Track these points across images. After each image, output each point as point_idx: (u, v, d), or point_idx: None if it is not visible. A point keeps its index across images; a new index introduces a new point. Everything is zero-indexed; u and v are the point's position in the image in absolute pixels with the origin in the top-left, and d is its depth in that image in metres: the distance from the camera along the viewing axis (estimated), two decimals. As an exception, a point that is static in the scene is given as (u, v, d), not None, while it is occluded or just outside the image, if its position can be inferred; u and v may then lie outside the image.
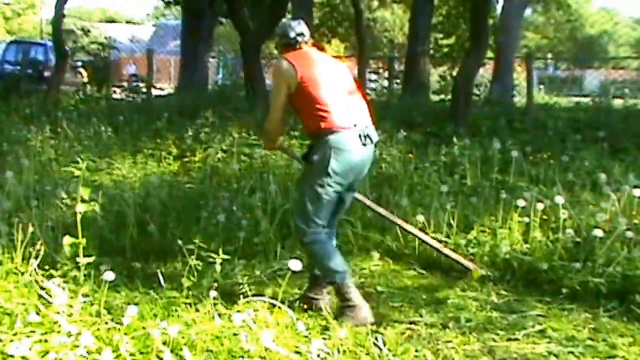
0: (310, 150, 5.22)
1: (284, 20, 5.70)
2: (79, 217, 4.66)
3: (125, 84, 20.54)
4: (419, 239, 6.50)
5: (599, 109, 15.85)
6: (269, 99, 5.40)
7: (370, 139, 5.19)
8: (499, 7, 22.26)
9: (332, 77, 5.21)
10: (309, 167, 5.22)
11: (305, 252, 5.42)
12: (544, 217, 6.57)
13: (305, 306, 5.25)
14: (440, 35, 29.96)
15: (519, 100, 20.16)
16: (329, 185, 5.06)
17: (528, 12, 31.13)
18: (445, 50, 29.85)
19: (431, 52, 23.49)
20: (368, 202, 6.28)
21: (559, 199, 6.41)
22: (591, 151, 9.86)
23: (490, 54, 18.73)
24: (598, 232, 5.90)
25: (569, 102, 20.27)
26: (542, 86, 26.26)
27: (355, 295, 5.18)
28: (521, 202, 6.55)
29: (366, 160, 5.26)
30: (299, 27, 5.33)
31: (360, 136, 5.11)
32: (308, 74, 5.10)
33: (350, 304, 5.09)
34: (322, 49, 5.98)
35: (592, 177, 7.98)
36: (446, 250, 6.43)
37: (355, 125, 5.10)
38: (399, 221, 6.48)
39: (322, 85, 5.10)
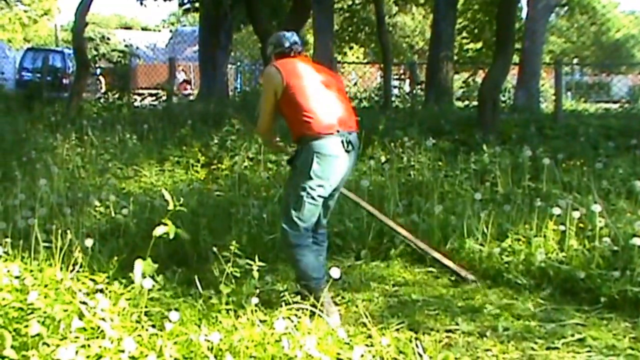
0: (295, 155, 5.47)
1: (280, 32, 5.84)
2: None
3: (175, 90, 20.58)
4: (409, 240, 6.71)
5: (631, 115, 15.80)
6: (259, 105, 5.60)
7: (353, 145, 5.40)
8: (523, 12, 22.26)
9: (317, 85, 5.45)
10: (293, 171, 5.50)
11: (285, 254, 5.68)
12: (580, 225, 6.59)
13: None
14: (466, 40, 29.96)
15: (546, 106, 20.16)
16: (311, 188, 5.28)
17: (552, 16, 31.00)
18: (471, 55, 29.85)
19: (455, 57, 23.46)
20: (356, 198, 6.42)
21: (596, 207, 6.45)
22: (624, 158, 9.84)
23: (515, 59, 18.72)
24: (637, 241, 5.91)
25: (597, 108, 20.19)
26: (568, 92, 26.21)
27: (327, 301, 5.30)
28: (556, 210, 6.59)
29: (349, 165, 5.51)
30: (293, 37, 5.65)
31: (342, 142, 5.32)
32: (294, 81, 5.36)
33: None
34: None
35: (627, 185, 7.99)
36: (438, 255, 6.59)
37: (338, 132, 5.31)
38: (390, 222, 6.62)
39: (307, 93, 5.35)
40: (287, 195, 5.49)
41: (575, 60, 44.42)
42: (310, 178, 5.26)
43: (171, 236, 4.48)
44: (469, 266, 6.58)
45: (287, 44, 5.59)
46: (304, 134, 5.28)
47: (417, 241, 6.75)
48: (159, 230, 4.50)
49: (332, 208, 5.87)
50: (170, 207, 4.66)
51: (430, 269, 6.77)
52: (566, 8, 37.55)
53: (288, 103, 5.35)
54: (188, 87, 28.63)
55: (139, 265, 4.33)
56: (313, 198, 5.32)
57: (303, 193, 5.29)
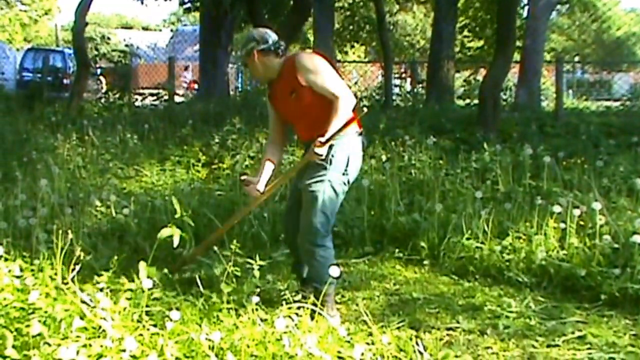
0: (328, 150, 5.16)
1: (255, 29, 5.68)
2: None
3: (184, 90, 20.56)
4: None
5: (632, 113, 15.80)
6: (323, 86, 5.15)
7: (365, 145, 5.42)
8: (524, 10, 22.26)
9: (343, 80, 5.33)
10: (323, 165, 5.16)
11: (308, 254, 5.31)
12: (581, 223, 6.60)
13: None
14: (467, 38, 29.96)
15: (547, 104, 20.16)
16: (345, 184, 5.23)
17: (553, 14, 30.99)
18: (472, 53, 29.85)
19: (456, 56, 23.44)
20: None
21: (596, 205, 6.46)
22: (625, 156, 9.84)
23: (516, 57, 18.71)
24: (637, 238, 5.91)
25: (598, 106, 20.19)
26: (570, 90, 26.20)
27: (330, 305, 5.30)
28: (557, 208, 6.61)
29: None
30: (274, 35, 5.46)
31: (363, 143, 5.37)
32: None
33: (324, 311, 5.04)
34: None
35: (628, 183, 7.99)
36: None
37: (361, 133, 5.33)
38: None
39: (345, 85, 5.23)
40: (316, 192, 5.15)
41: (576, 58, 44.57)
42: (346, 174, 5.22)
43: (175, 242, 4.49)
44: (470, 264, 6.59)
45: (270, 41, 5.40)
46: (344, 128, 5.07)
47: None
48: (163, 233, 4.51)
49: None
50: (178, 214, 4.68)
51: (432, 267, 6.81)
52: (567, 6, 37.56)
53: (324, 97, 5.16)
54: (196, 85, 28.63)
55: (144, 268, 4.34)
56: (342, 195, 5.29)
57: (338, 189, 5.20)
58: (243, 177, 5.76)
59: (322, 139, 4.98)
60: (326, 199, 5.15)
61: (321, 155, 5.04)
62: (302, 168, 5.35)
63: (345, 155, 5.18)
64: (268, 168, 5.66)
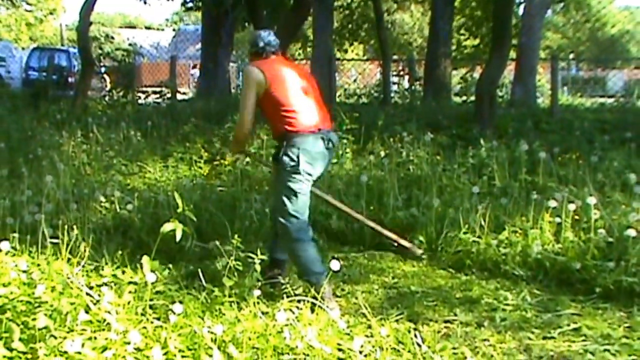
0: (278, 152, 5.50)
1: (256, 31, 5.98)
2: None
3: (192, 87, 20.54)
4: (367, 225, 6.75)
5: (625, 109, 15.80)
6: (240, 103, 5.62)
7: (333, 143, 5.61)
8: (520, 9, 22.25)
9: (298, 84, 5.58)
10: (279, 167, 5.50)
11: (286, 249, 5.63)
12: (576, 217, 6.60)
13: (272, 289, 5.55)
14: (464, 37, 29.94)
15: (542, 101, 20.16)
16: (301, 182, 5.40)
17: (548, 12, 30.97)
18: (469, 51, 29.84)
19: (453, 54, 23.44)
20: (319, 193, 6.47)
21: (591, 200, 6.46)
22: (619, 152, 9.82)
23: (512, 54, 18.70)
24: (631, 232, 5.93)
25: (592, 103, 20.19)
26: (565, 87, 26.17)
27: (328, 297, 5.32)
28: (552, 203, 6.60)
29: (328, 160, 5.73)
30: (269, 37, 5.72)
31: (323, 140, 5.49)
32: (276, 81, 5.47)
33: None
34: (288, 59, 6.18)
35: (622, 178, 7.98)
36: (389, 234, 6.71)
37: (319, 130, 5.48)
38: (348, 209, 6.67)
39: (290, 92, 5.48)
40: (279, 192, 5.50)
41: (571, 56, 44.41)
42: (299, 172, 5.38)
43: (178, 237, 4.49)
44: (467, 258, 6.60)
45: (261, 44, 5.67)
46: (288, 131, 5.40)
47: (374, 224, 6.79)
48: (166, 228, 4.51)
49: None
50: (180, 209, 4.68)
51: (430, 261, 6.82)
52: (562, 4, 37.50)
53: (271, 102, 5.46)
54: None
55: (147, 262, 4.34)
56: (303, 189, 5.45)
57: (295, 187, 5.40)
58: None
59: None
60: (285, 200, 5.43)
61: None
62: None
63: (294, 155, 5.39)
64: None
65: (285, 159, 5.39)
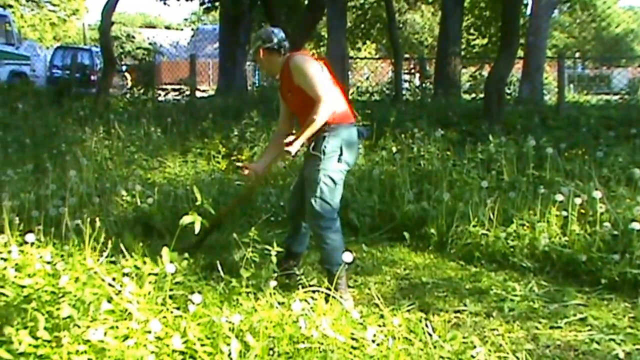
0: (317, 142, 5.33)
1: (266, 28, 5.99)
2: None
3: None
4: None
5: (630, 106, 15.72)
6: (310, 89, 5.26)
7: (361, 134, 5.57)
8: (528, 9, 22.15)
9: (330, 78, 5.50)
10: (318, 156, 5.32)
11: (317, 238, 5.53)
12: (582, 211, 6.58)
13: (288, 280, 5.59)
14: (473, 36, 29.86)
15: (549, 98, 20.08)
16: (341, 172, 5.36)
17: (555, 12, 30.84)
18: (478, 50, 29.76)
19: (463, 53, 23.38)
20: None
21: (597, 194, 6.44)
22: (624, 147, 9.78)
23: (520, 53, 18.62)
24: (636, 225, 5.90)
25: (598, 100, 20.11)
26: (571, 85, 26.07)
27: (344, 288, 5.35)
28: (559, 197, 6.59)
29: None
30: (280, 34, 5.62)
31: (358, 131, 5.48)
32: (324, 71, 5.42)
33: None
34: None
35: (627, 173, 7.95)
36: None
37: (354, 123, 5.48)
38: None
39: (331, 84, 5.40)
40: (315, 181, 5.31)
41: (577, 54, 44.23)
42: (341, 162, 5.32)
43: (197, 229, 4.49)
44: (477, 250, 6.58)
45: (275, 40, 5.55)
46: (332, 122, 5.28)
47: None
48: (185, 220, 4.52)
49: None
50: (199, 203, 4.69)
51: (440, 252, 6.81)
52: (568, 4, 37.28)
53: None
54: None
55: (167, 254, 4.35)
56: (341, 181, 5.40)
57: (335, 176, 5.31)
58: (239, 164, 6.03)
59: (291, 139, 5.23)
60: (324, 188, 5.30)
61: (290, 154, 5.27)
62: (275, 160, 5.92)
63: (336, 145, 5.30)
64: (270, 153, 5.90)
65: (329, 148, 5.29)
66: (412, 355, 4.02)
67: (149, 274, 4.64)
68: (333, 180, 5.30)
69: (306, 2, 20.34)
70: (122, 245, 5.41)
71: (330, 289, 4.66)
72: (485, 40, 29.81)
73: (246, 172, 5.84)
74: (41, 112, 14.68)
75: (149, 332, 3.72)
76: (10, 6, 40.41)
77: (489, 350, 4.29)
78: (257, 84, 24.83)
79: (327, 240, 5.35)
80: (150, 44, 23.55)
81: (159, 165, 10.47)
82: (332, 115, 5.26)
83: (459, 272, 6.30)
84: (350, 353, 3.95)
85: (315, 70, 5.33)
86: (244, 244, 5.05)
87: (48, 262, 4.60)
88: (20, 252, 4.72)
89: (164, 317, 4.03)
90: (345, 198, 7.67)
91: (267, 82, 21.45)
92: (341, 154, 5.31)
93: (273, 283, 4.63)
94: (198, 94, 19.54)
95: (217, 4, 23.57)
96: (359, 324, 4.37)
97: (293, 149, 5.20)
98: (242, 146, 10.95)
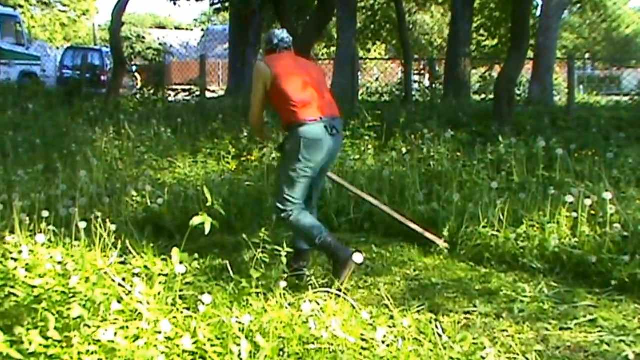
0: (284, 141, 5.83)
1: (271, 30, 6.34)
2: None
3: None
4: (388, 214, 6.98)
5: (640, 107, 15.71)
6: (250, 97, 5.87)
7: (337, 129, 5.75)
8: (537, 10, 22.13)
9: (302, 77, 5.74)
10: (283, 155, 5.84)
11: (286, 226, 6.02)
12: (592, 212, 6.56)
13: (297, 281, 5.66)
14: (483, 37, 29.82)
15: (559, 99, 20.05)
16: (300, 169, 5.60)
17: (565, 13, 30.78)
18: (487, 51, 29.71)
19: (472, 53, 23.35)
20: (339, 180, 6.64)
21: (607, 195, 6.42)
22: (635, 148, 9.76)
23: (530, 54, 18.61)
24: (646, 226, 5.91)
25: (608, 101, 20.08)
26: (581, 86, 26.01)
27: (335, 245, 5.63)
28: (569, 198, 6.58)
29: (334, 147, 5.84)
30: (282, 34, 5.95)
31: (326, 127, 5.61)
32: (281, 74, 5.65)
33: (336, 258, 5.54)
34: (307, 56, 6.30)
35: (637, 174, 7.94)
36: (415, 226, 6.91)
37: (321, 119, 5.60)
38: (369, 197, 6.94)
39: (293, 85, 5.64)
40: (279, 177, 5.84)
41: (587, 55, 44.16)
42: (299, 160, 5.57)
43: (207, 230, 4.49)
44: (487, 251, 6.57)
45: (275, 41, 5.91)
46: (292, 122, 5.59)
47: (397, 215, 6.96)
48: (195, 221, 4.52)
49: (321, 187, 6.39)
50: (209, 203, 4.69)
51: (450, 253, 6.80)
52: (578, 5, 37.20)
53: (277, 94, 5.64)
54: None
55: (177, 254, 4.35)
56: (302, 177, 5.64)
57: (293, 174, 5.62)
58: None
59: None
60: (282, 185, 5.72)
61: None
62: None
63: (296, 143, 5.57)
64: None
65: (288, 147, 5.64)
66: (422, 356, 4.01)
67: (159, 275, 4.65)
68: (291, 177, 5.63)
69: (316, 2, 20.29)
70: (131, 246, 5.41)
71: (340, 290, 4.66)
72: (495, 41, 29.77)
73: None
74: (51, 112, 14.72)
75: (159, 332, 3.72)
76: (21, 7, 40.52)
77: (499, 352, 4.29)
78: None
79: (295, 223, 5.71)
80: (160, 44, 23.57)
81: (169, 165, 10.48)
82: (295, 115, 5.56)
83: (468, 273, 6.28)
84: (360, 354, 3.95)
85: (256, 80, 5.77)
86: (254, 244, 5.06)
87: (58, 263, 4.60)
88: (31, 252, 4.72)
89: (174, 317, 4.03)
90: (355, 198, 7.71)
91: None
92: (299, 151, 5.54)
93: (283, 284, 4.65)
94: (208, 94, 19.58)
95: (227, 4, 23.57)
96: (368, 325, 4.35)
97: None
98: (251, 147, 10.95)
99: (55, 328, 3.60)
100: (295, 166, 5.59)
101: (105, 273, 4.38)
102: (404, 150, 9.88)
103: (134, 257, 5.21)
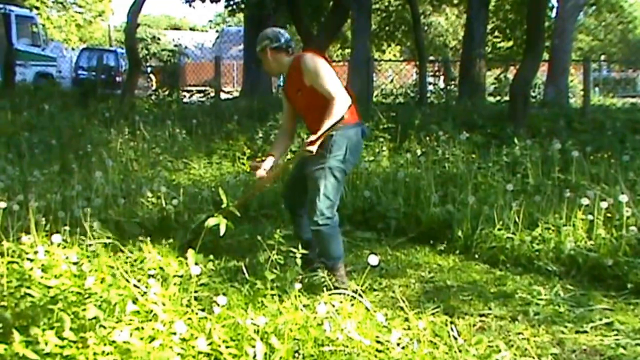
0: (324, 140, 5.29)
1: (271, 28, 5.99)
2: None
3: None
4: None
5: (657, 109, 15.67)
6: (323, 87, 5.30)
7: (365, 134, 5.68)
8: (553, 12, 22.08)
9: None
10: (323, 154, 5.32)
11: (315, 234, 5.53)
12: (608, 214, 6.53)
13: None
14: (498, 39, 29.75)
15: (575, 101, 20.01)
16: (344, 171, 5.44)
17: (580, 15, 30.71)
18: (502, 53, 29.64)
19: (488, 55, 23.32)
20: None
21: (623, 197, 6.39)
22: (650, 151, 9.75)
23: (545, 56, 18.58)
24: (663, 229, 5.88)
25: (624, 103, 20.03)
26: (596, 88, 25.92)
27: (342, 280, 5.48)
28: (585, 201, 6.55)
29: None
30: (286, 34, 5.71)
31: (363, 131, 5.57)
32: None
33: (335, 287, 5.20)
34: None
35: (653, 177, 7.91)
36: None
37: (361, 122, 5.58)
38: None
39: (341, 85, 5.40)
40: (320, 178, 5.35)
41: (602, 57, 44.03)
42: (345, 161, 5.40)
43: (222, 231, 4.49)
44: (502, 254, 6.55)
45: (283, 40, 5.62)
46: (341, 122, 5.26)
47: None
48: (210, 222, 4.53)
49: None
50: (224, 205, 4.70)
51: (464, 255, 6.79)
52: (594, 7, 37.13)
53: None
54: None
55: (192, 256, 4.36)
56: (343, 180, 5.53)
57: (339, 175, 5.39)
58: (252, 164, 6.15)
59: (313, 138, 5.19)
60: (328, 185, 5.36)
61: (311, 152, 5.23)
62: (299, 159, 5.66)
63: (343, 144, 5.37)
64: (277, 151, 5.99)
65: (335, 147, 5.34)
66: (437, 359, 4.00)
67: (174, 276, 4.66)
68: (336, 179, 5.38)
69: (331, 4, 20.31)
70: (146, 247, 5.43)
71: (355, 292, 4.65)
72: (511, 43, 29.69)
73: (258, 173, 5.82)
74: (67, 113, 14.78)
75: (174, 333, 3.73)
76: (37, 8, 40.66)
77: (515, 355, 4.29)
78: (281, 86, 24.89)
79: (330, 238, 5.46)
80: (175, 45, 23.61)
81: (184, 166, 10.52)
82: (346, 115, 5.30)
83: (484, 275, 6.26)
84: (375, 356, 3.94)
85: (327, 69, 5.38)
86: (268, 246, 5.06)
87: (74, 263, 4.61)
88: (47, 252, 4.73)
89: (189, 318, 4.04)
90: (369, 200, 7.72)
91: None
92: (346, 154, 5.38)
93: (298, 285, 4.63)
94: (223, 95, 19.63)
95: (242, 5, 23.61)
96: (383, 327, 4.34)
97: (314, 147, 5.19)
98: (266, 148, 10.96)
99: (71, 329, 3.61)
100: (341, 167, 5.39)
101: (121, 274, 4.39)
102: (418, 152, 9.87)
103: (149, 258, 5.22)
